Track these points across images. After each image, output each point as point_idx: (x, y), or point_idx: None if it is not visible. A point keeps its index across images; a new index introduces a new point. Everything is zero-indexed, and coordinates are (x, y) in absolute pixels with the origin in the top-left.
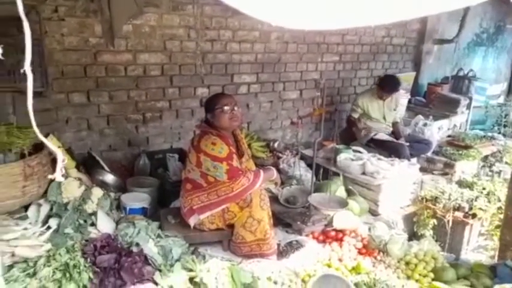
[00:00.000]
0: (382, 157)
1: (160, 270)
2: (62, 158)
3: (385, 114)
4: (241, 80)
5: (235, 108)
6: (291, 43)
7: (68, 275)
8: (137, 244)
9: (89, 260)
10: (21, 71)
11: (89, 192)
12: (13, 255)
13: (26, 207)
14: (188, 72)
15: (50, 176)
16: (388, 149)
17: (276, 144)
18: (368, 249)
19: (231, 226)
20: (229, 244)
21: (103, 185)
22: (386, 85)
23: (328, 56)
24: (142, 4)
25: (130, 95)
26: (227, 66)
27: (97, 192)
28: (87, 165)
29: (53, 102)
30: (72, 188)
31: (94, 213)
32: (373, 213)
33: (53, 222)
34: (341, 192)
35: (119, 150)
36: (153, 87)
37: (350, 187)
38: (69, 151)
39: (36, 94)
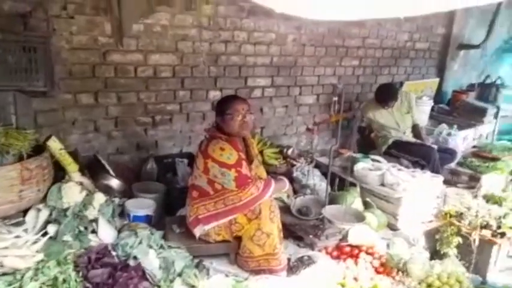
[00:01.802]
0: (402, 167)
1: (159, 287)
2: None
3: (397, 120)
4: (256, 84)
5: (247, 115)
6: (308, 46)
7: None
8: (135, 257)
9: (81, 273)
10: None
11: (90, 198)
12: (2, 265)
13: (25, 212)
14: (200, 74)
15: None
16: (414, 153)
17: (289, 151)
18: (386, 268)
19: (239, 238)
20: (237, 258)
21: (107, 189)
22: (381, 96)
23: (347, 60)
24: (154, 2)
25: (140, 96)
26: (241, 69)
27: (99, 198)
28: (92, 168)
29: (60, 102)
30: (73, 193)
31: (95, 220)
32: (392, 227)
33: (51, 229)
34: (358, 204)
35: (126, 154)
36: (163, 89)
37: (368, 199)
38: (72, 154)
39: (39, 94)
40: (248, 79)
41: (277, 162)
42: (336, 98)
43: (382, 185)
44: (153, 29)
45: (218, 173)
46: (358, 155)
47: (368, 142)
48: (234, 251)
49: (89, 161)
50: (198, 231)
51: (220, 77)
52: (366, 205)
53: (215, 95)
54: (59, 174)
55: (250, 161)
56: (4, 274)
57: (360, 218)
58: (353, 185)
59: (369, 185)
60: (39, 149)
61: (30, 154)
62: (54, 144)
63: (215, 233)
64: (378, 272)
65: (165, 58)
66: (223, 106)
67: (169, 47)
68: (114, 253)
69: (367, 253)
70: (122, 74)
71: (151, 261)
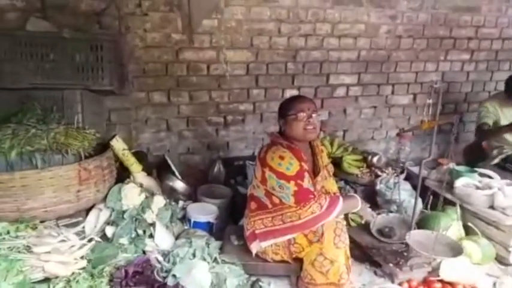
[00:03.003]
0: None
1: None
2: None
3: None
4: (339, 81)
5: (313, 116)
6: (405, 37)
7: None
8: (174, 276)
9: None
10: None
11: (149, 201)
12: (43, 271)
13: (87, 212)
14: (277, 71)
15: None
16: None
17: (375, 159)
18: None
19: (299, 259)
20: (298, 281)
21: (172, 191)
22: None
23: (454, 54)
24: None
25: (212, 95)
26: (322, 65)
27: (158, 201)
28: (161, 168)
29: (133, 101)
30: (132, 195)
31: (153, 224)
32: (502, 262)
33: (109, 231)
34: (456, 229)
35: (197, 154)
36: (236, 87)
37: (470, 223)
38: (138, 154)
39: (108, 92)
40: (330, 76)
41: (359, 171)
42: (430, 100)
43: (492, 207)
44: (227, 24)
45: (276, 185)
46: (461, 168)
47: (478, 152)
48: (294, 273)
49: (160, 160)
50: (254, 248)
51: (298, 74)
52: (468, 231)
53: (292, 93)
54: (124, 174)
55: (316, 173)
56: (46, 279)
57: (455, 250)
58: (451, 203)
59: (472, 206)
60: (103, 148)
61: (91, 154)
62: (118, 144)
63: (272, 252)
64: None
65: (239, 55)
66: (286, 107)
67: (244, 42)
68: (158, 265)
69: None
70: (194, 72)
71: (195, 279)
